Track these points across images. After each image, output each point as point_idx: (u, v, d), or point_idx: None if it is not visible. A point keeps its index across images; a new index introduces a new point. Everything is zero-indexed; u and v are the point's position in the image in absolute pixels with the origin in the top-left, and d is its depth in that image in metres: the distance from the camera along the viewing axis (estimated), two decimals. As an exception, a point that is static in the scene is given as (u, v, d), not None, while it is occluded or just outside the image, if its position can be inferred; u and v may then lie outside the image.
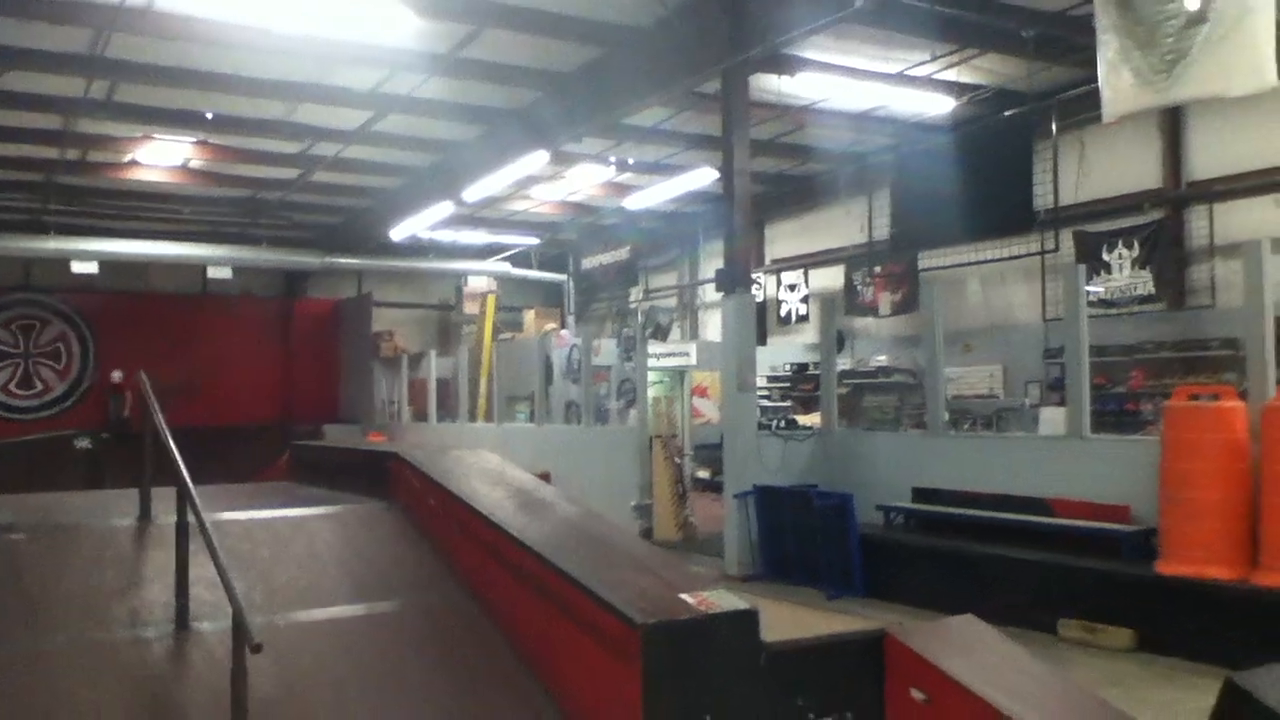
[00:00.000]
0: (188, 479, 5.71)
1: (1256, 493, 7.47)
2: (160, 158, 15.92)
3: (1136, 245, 13.05)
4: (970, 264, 14.67)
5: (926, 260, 15.30)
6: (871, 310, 16.27)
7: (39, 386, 21.32)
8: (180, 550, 5.78)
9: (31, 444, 17.76)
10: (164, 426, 6.40)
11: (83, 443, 17.26)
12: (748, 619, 5.53)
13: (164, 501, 6.53)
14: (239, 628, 4.59)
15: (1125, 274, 13.17)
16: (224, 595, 4.81)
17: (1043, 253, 13.59)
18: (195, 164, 16.36)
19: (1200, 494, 7.64)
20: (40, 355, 21.34)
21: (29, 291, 21.18)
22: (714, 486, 13.72)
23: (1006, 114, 13.36)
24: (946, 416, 10.95)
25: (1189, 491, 7.72)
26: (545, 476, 9.01)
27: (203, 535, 5.24)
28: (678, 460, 13.41)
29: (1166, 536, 7.85)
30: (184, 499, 5.73)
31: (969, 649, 5.74)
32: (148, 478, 7.05)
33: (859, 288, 16.49)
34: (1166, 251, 12.87)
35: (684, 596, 5.58)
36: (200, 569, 5.62)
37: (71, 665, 5.38)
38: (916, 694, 5.49)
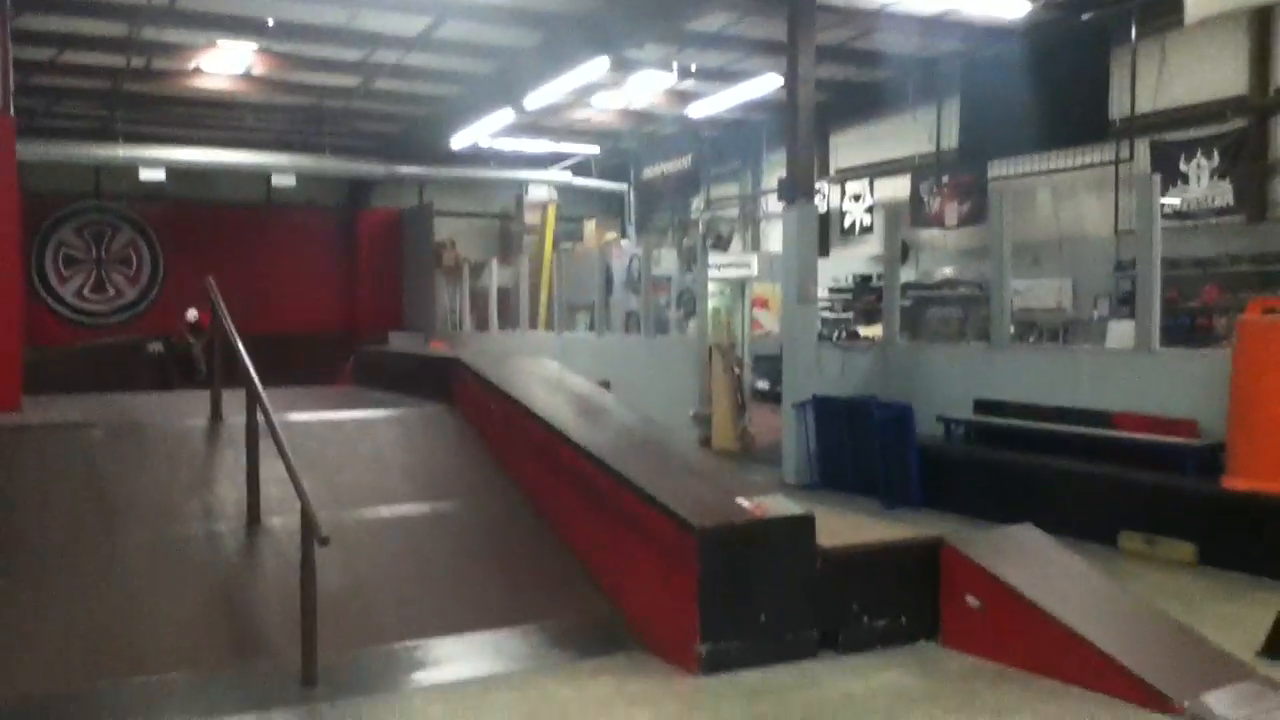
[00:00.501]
0: (257, 381, 5.84)
1: (1330, 409, 7.30)
2: (223, 65, 15.97)
3: (1216, 155, 12.60)
4: (1041, 174, 14.29)
5: (995, 170, 14.93)
6: (938, 222, 15.97)
7: (111, 292, 21.84)
8: (250, 449, 5.95)
9: (106, 347, 18.23)
10: (233, 330, 6.54)
11: (155, 347, 17.67)
12: (803, 524, 5.58)
13: (233, 403, 6.70)
14: (307, 522, 4.73)
15: (1203, 185, 12.75)
16: (292, 492, 4.96)
17: (1117, 162, 13.18)
18: (258, 71, 16.39)
19: (1271, 409, 7.47)
20: (112, 261, 21.81)
21: (101, 199, 21.56)
22: (772, 397, 13.70)
23: (1084, 17, 12.85)
24: (1012, 330, 10.78)
25: (1259, 407, 7.55)
26: (605, 385, 9.07)
27: (272, 435, 5.39)
28: (736, 371, 13.40)
29: (1234, 451, 7.71)
30: (253, 400, 5.88)
31: (1026, 558, 5.74)
32: (218, 380, 7.24)
33: (925, 199, 16.17)
34: (1248, 162, 12.41)
35: (740, 501, 5.65)
36: (269, 468, 5.79)
37: (148, 559, 5.60)
38: (971, 600, 5.53)
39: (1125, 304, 12.56)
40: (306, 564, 4.74)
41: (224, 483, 6.35)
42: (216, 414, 7.10)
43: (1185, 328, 12.08)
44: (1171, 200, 12.57)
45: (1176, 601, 6.31)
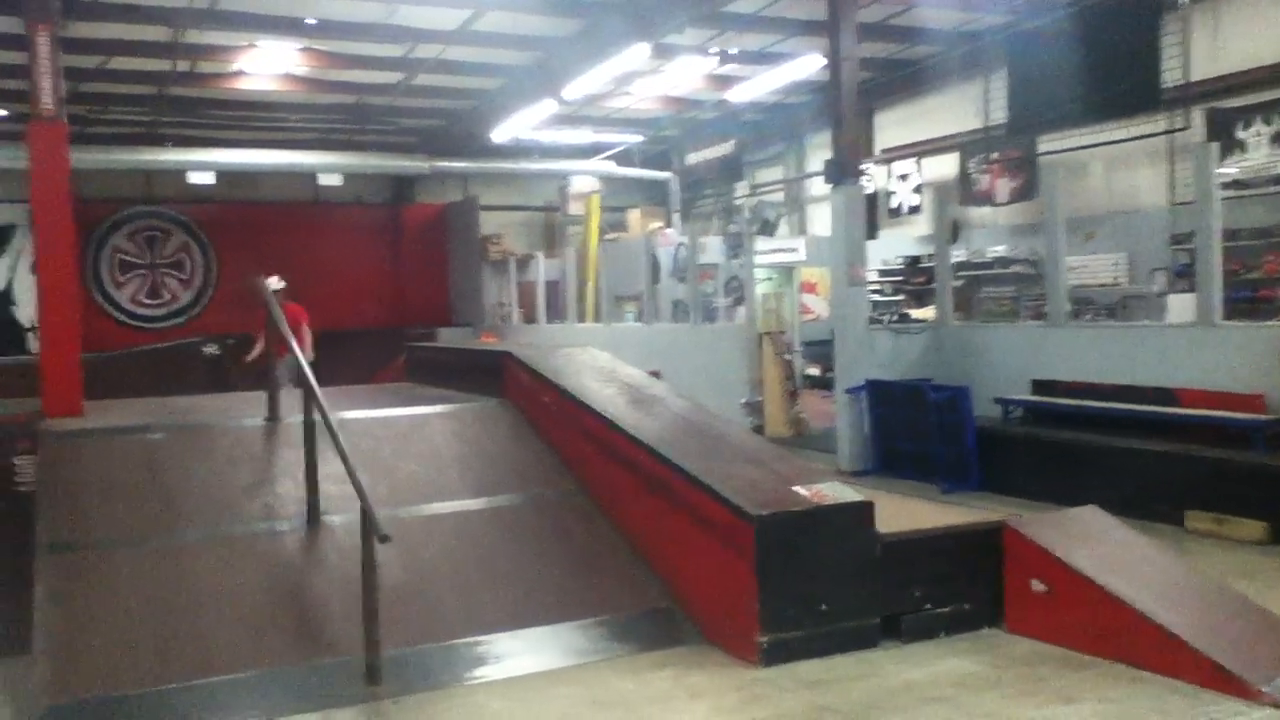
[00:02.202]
0: (313, 380, 5.88)
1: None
2: (265, 66, 16.10)
3: (1276, 120, 12.27)
4: (1092, 146, 14.00)
5: (1045, 144, 14.64)
6: (987, 199, 15.72)
7: (166, 296, 22.17)
8: (308, 447, 5.99)
9: (163, 351, 18.51)
10: (288, 331, 6.59)
11: (211, 349, 17.90)
12: (862, 510, 5.52)
13: (290, 402, 6.76)
14: (367, 520, 4.76)
15: (1262, 152, 12.41)
16: (351, 490, 4.99)
17: (1171, 131, 12.89)
18: (300, 71, 16.51)
19: (1341, 382, 7.28)
20: (165, 266, 22.13)
21: (150, 203, 21.88)
22: (824, 383, 13.61)
23: (1133, -15, 12.58)
24: (1068, 306, 10.59)
25: (1329, 379, 7.36)
26: (655, 375, 9.05)
27: (329, 433, 5.42)
28: (787, 357, 13.32)
29: (1303, 426, 7.52)
30: (310, 399, 5.92)
31: (1091, 540, 5.64)
32: (275, 379, 7.30)
33: (974, 175, 15.92)
34: (1308, 127, 12.07)
35: (797, 489, 5.60)
36: (327, 465, 5.82)
37: (211, 557, 5.67)
38: (1037, 585, 5.44)
39: (1184, 277, 12.29)
40: (367, 561, 4.77)
41: (284, 481, 6.40)
42: (274, 413, 7.16)
43: (1248, 300, 11.80)
44: (1229, 169, 12.26)
45: (1248, 581, 6.17)
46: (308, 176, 21.61)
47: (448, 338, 19.67)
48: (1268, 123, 12.32)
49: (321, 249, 22.52)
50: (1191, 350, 8.80)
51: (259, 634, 5.10)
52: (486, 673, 5.01)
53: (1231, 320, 9.25)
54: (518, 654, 5.16)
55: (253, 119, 19.75)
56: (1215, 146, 9.43)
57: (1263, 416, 8.02)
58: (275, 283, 9.29)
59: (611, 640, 5.40)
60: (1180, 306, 10.73)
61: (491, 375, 8.53)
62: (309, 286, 20.67)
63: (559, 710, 4.64)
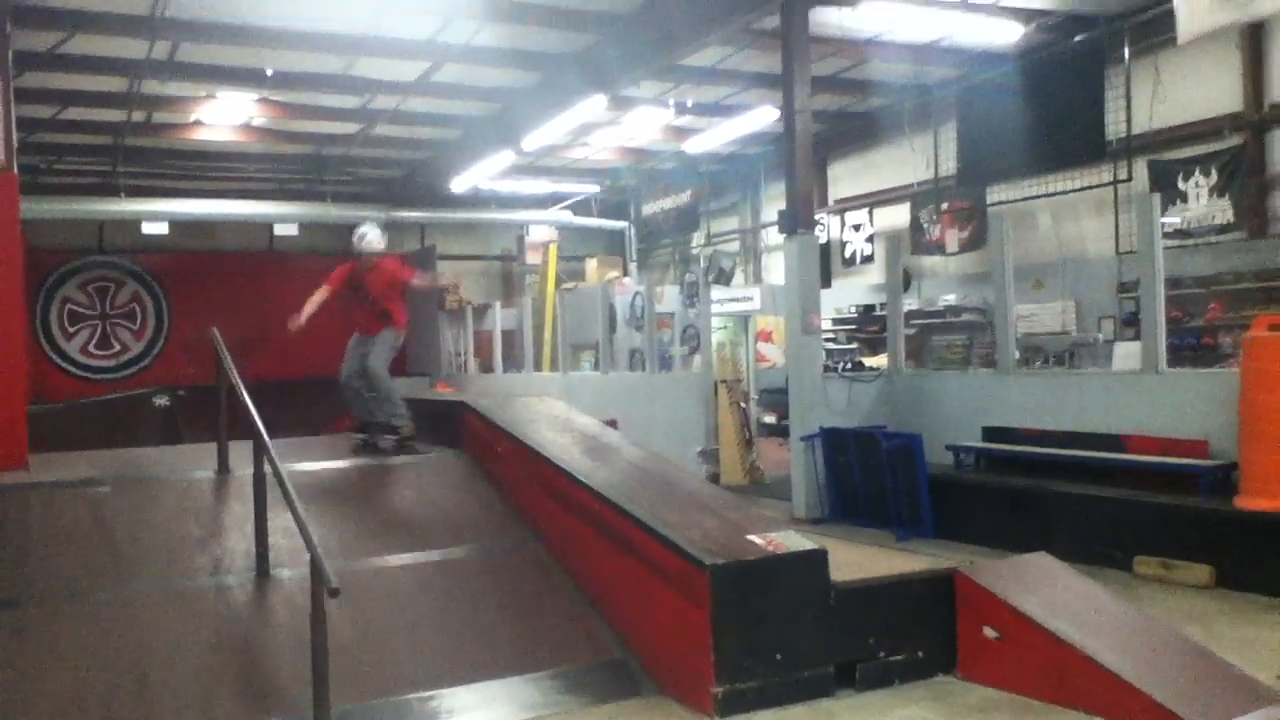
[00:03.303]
0: (263, 431, 5.83)
1: (1342, 425, 7.25)
2: (224, 117, 16.11)
3: (1214, 172, 12.61)
4: (1040, 197, 14.30)
5: (994, 195, 14.94)
6: (938, 248, 15.98)
7: (117, 347, 21.88)
8: (258, 500, 5.93)
9: (111, 402, 18.25)
10: (239, 381, 6.53)
11: (161, 400, 17.70)
12: (816, 559, 5.53)
13: (240, 454, 6.69)
14: (317, 573, 4.69)
15: (1202, 203, 12.74)
16: (301, 543, 4.93)
17: (1115, 183, 13.19)
18: (258, 122, 16.53)
19: (1282, 427, 7.43)
20: (117, 316, 21.87)
21: (103, 254, 21.66)
22: (780, 431, 13.68)
23: (1077, 39, 12.92)
24: (1017, 354, 10.75)
25: (1271, 424, 7.50)
26: (612, 424, 9.05)
27: (279, 485, 5.36)
28: (743, 405, 13.38)
29: (1247, 471, 7.65)
30: (260, 451, 5.87)
31: (1042, 586, 5.69)
32: (224, 432, 7.23)
33: (925, 225, 16.19)
34: (1246, 178, 12.39)
35: (751, 538, 5.61)
36: (278, 518, 5.76)
37: (158, 612, 5.57)
38: (989, 632, 5.47)
39: (1130, 325, 12.54)
40: (316, 615, 4.69)
41: (233, 534, 6.33)
42: (224, 465, 7.09)
43: (1191, 347, 12.05)
44: (1172, 219, 12.57)
45: (1195, 625, 6.25)
46: (264, 226, 21.54)
47: (402, 388, 19.51)
48: (1207, 174, 12.66)
49: (277, 298, 22.22)
50: (1138, 396, 8.96)
51: (207, 690, 5.01)
52: (439, 729, 4.94)
53: (1176, 367, 9.43)
54: (470, 709, 5.09)
55: (209, 169, 19.69)
56: (1158, 197, 9.66)
57: (1207, 462, 8.16)
58: (376, 241, 8.99)
59: (566, 693, 5.35)
60: (1126, 353, 10.91)
61: (447, 425, 8.50)
62: (265, 337, 20.60)
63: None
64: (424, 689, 5.15)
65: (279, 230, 21.01)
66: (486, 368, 20.06)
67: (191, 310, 21.13)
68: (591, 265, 22.15)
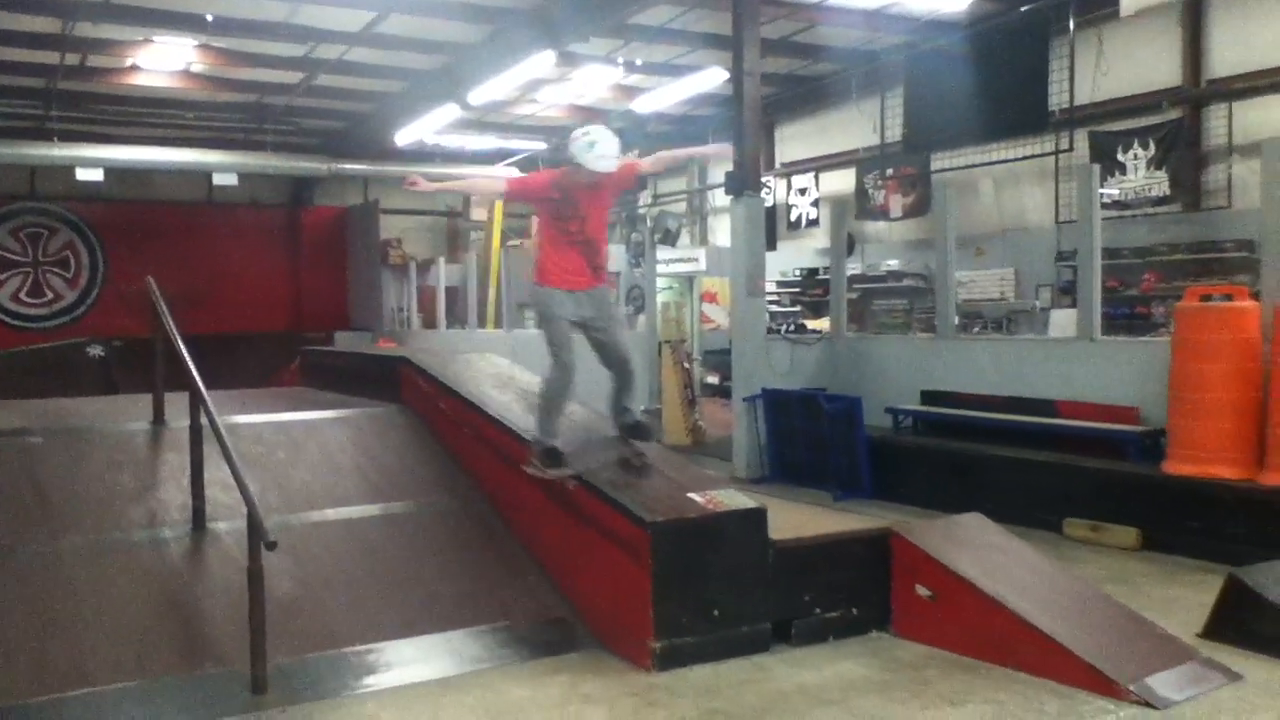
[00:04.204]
0: (200, 383, 5.75)
1: (1266, 394, 7.46)
2: (161, 62, 15.67)
3: (1153, 145, 12.84)
4: (983, 165, 14.46)
5: (939, 162, 15.08)
6: (883, 214, 16.11)
7: (49, 295, 21.38)
8: (194, 452, 5.85)
9: (43, 352, 17.84)
10: (175, 332, 6.42)
11: (95, 351, 17.31)
12: (755, 517, 5.60)
13: (177, 406, 6.59)
14: (254, 526, 4.67)
15: (1140, 175, 12.97)
16: (239, 496, 4.89)
17: (1057, 153, 13.38)
18: (197, 69, 16.10)
19: (1209, 394, 7.64)
20: (49, 264, 21.35)
21: (35, 199, 21.09)
22: (723, 391, 13.77)
23: (1023, 10, 13.02)
24: (956, 320, 10.91)
25: (1198, 392, 7.71)
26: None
27: (216, 437, 5.30)
28: (686, 365, 13.44)
29: (1174, 437, 7.87)
30: (197, 402, 5.78)
31: (975, 546, 5.81)
32: (160, 383, 7.11)
33: (870, 191, 16.30)
34: (1183, 152, 12.64)
35: (692, 496, 5.66)
36: (215, 471, 5.70)
37: (91, 565, 5.49)
38: (922, 590, 5.59)
39: (1067, 293, 12.77)
40: (254, 569, 4.67)
41: (168, 487, 6.24)
42: (160, 417, 6.97)
43: (1126, 316, 12.32)
44: (1110, 190, 12.79)
45: (1121, 586, 6.43)
46: (203, 176, 21.09)
47: (346, 342, 19.36)
48: (1145, 147, 12.89)
49: (216, 251, 22.02)
50: (1073, 363, 9.15)
51: (141, 644, 4.96)
52: (377, 681, 4.93)
53: (1110, 335, 9.64)
54: (410, 662, 5.10)
55: (147, 116, 19.19)
56: (1097, 168, 9.82)
57: (1136, 428, 8.38)
58: (612, 155, 5.91)
59: (506, 648, 5.38)
60: (1062, 321, 11.14)
61: (389, 381, 8.43)
62: (203, 289, 20.27)
63: (450, 718, 4.60)
64: (362, 643, 5.14)
65: (218, 180, 20.58)
66: (430, 324, 19.91)
67: (128, 260, 20.69)
68: (538, 223, 21.97)
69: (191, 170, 20.53)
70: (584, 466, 5.78)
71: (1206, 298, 7.96)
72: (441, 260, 20.12)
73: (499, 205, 21.45)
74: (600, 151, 5.86)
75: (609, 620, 5.53)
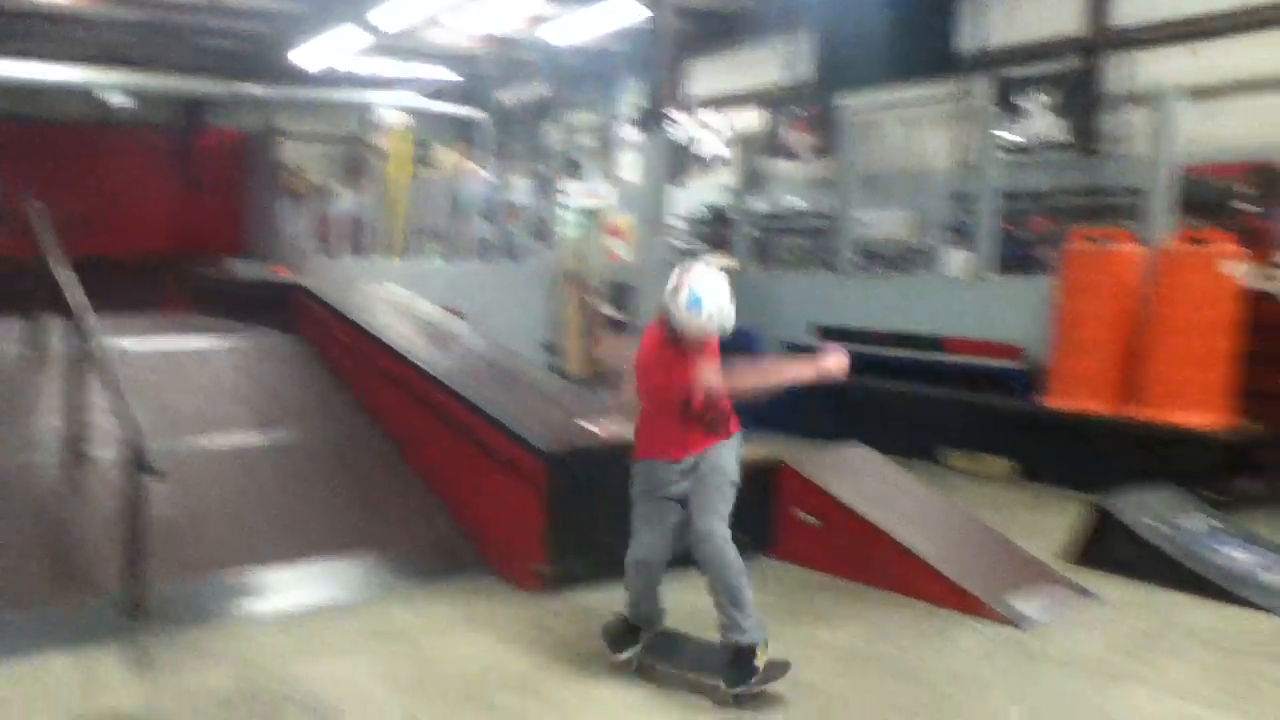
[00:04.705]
0: (83, 306, 5.58)
1: (1142, 334, 7.77)
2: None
3: (1054, 92, 13.08)
4: (889, 107, 14.59)
5: (846, 102, 15.17)
6: (791, 153, 16.19)
7: (-75, 216, 20.39)
8: (74, 376, 5.70)
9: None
10: (59, 254, 6.22)
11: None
12: (646, 446, 5.67)
13: (62, 330, 6.39)
14: (136, 452, 4.58)
15: (1041, 120, 13.23)
16: (121, 422, 4.78)
17: (961, 97, 13.55)
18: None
19: (1089, 333, 7.94)
20: (-73, 182, 20.33)
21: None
22: (625, 326, 13.78)
23: (931, -49, 13.11)
24: (854, 257, 11.07)
25: (1079, 330, 8.00)
26: (458, 314, 8.99)
27: (98, 361, 5.17)
28: (590, 299, 13.41)
29: (1056, 373, 8.17)
30: (79, 325, 5.62)
31: (858, 475, 5.99)
32: (41, 307, 6.88)
33: (779, 130, 16.35)
34: (1083, 99, 12.92)
35: (586, 425, 5.71)
36: (97, 397, 5.56)
37: (-36, 491, 5.34)
38: (805, 516, 5.75)
39: (964, 235, 13.02)
40: (135, 495, 4.59)
41: (49, 412, 6.07)
42: (41, 341, 6.76)
43: (1020, 258, 12.61)
44: (1011, 135, 13.02)
45: (995, 513, 6.69)
46: (95, 95, 20.19)
47: (240, 270, 18.87)
48: (1046, 93, 13.13)
49: (107, 173, 21.19)
50: (965, 302, 9.39)
51: (15, 572, 4.85)
52: (261, 607, 4.92)
53: (1003, 276, 9.90)
54: (295, 588, 5.09)
55: (34, 30, 18.23)
56: (997, 112, 10.00)
57: (1019, 365, 8.66)
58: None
59: (395, 573, 5.40)
60: (957, 261, 11.38)
61: (283, 309, 8.29)
62: (92, 211, 19.51)
63: (336, 642, 4.61)
64: (247, 569, 5.12)
65: (110, 100, 19.74)
66: (330, 253, 19.52)
67: (13, 180, 19.78)
68: (443, 153, 21.62)
69: (83, 89, 19.63)
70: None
71: (1091, 240, 8.23)
72: (343, 187, 19.67)
73: (404, 134, 21.01)
74: (701, 312, 4.39)
75: (500, 546, 5.58)
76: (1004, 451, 8.04)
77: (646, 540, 4.36)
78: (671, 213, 11.76)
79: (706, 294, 4.33)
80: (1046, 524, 6.55)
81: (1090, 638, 4.86)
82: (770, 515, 5.96)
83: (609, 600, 5.15)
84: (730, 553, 4.17)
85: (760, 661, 4.10)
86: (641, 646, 4.41)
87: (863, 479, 5.96)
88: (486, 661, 4.44)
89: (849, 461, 6.17)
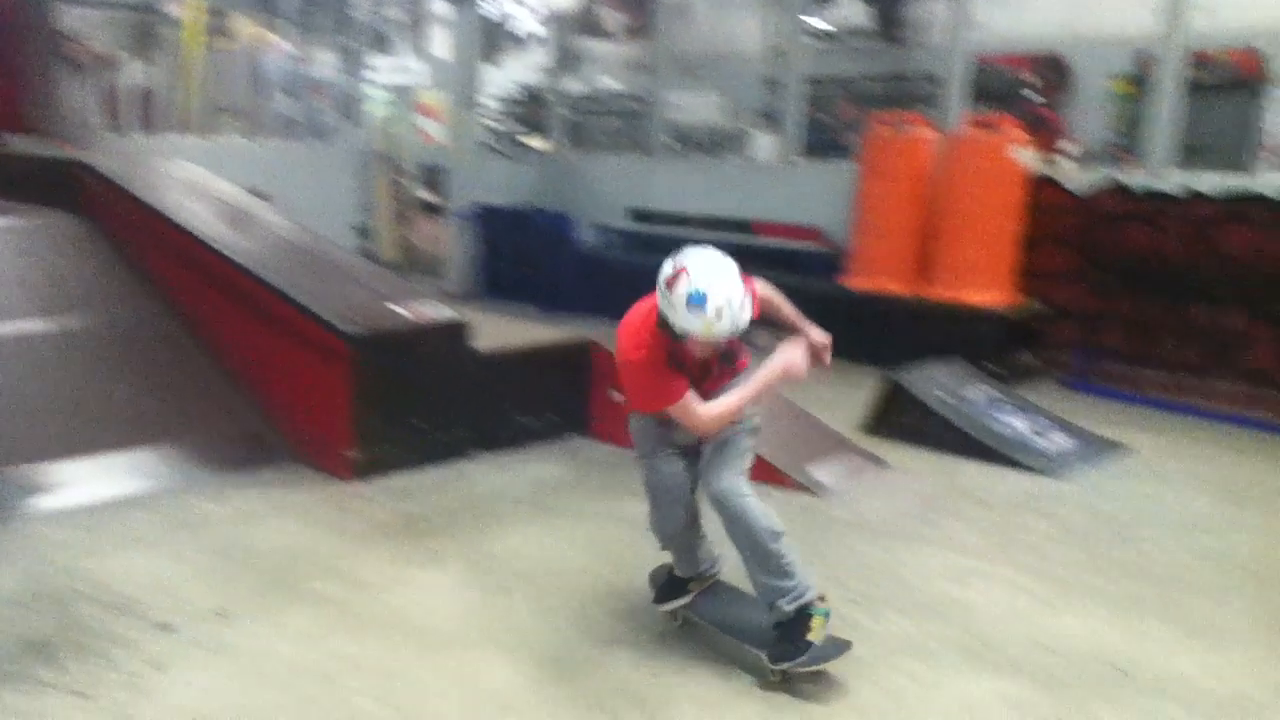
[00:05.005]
0: None
1: (936, 217, 8.17)
2: None
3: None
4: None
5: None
6: (606, 33, 15.98)
7: None
8: None
9: None
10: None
11: None
12: (458, 328, 5.66)
13: None
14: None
15: (848, 7, 13.46)
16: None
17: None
18: None
19: (886, 216, 8.28)
20: None
21: None
22: (438, 208, 13.53)
23: None
24: (666, 140, 11.14)
25: (877, 214, 8.34)
26: (263, 197, 8.59)
27: None
28: (401, 181, 13.06)
29: (855, 255, 8.51)
30: None
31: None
32: None
33: (595, 9, 16.08)
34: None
35: (394, 308, 5.63)
36: None
37: None
38: (615, 395, 5.87)
39: (772, 119, 13.26)
40: (-100, 386, 4.28)
41: None
42: None
43: (825, 143, 12.97)
44: (819, 22, 13.23)
45: (796, 388, 6.99)
46: None
47: (16, 145, 17.42)
48: (857, -20, 13.35)
49: None
50: (771, 186, 9.62)
51: None
52: (48, 502, 4.70)
53: (808, 160, 10.17)
54: (88, 481, 4.88)
55: None
56: (804, -4, 10.12)
57: (821, 247, 8.99)
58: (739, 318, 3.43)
59: (199, 465, 5.25)
60: (765, 145, 11.61)
61: (65, 187, 7.71)
62: None
63: (133, 534, 4.47)
64: (33, 461, 4.87)
65: None
66: (119, 129, 18.21)
67: None
68: (241, 23, 20.30)
69: None
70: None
71: (888, 126, 8.52)
72: (132, 59, 18.28)
73: (199, 1, 19.61)
74: (721, 326, 3.42)
75: (308, 434, 5.49)
76: (801, 331, 8.37)
77: (663, 512, 3.73)
78: (485, 92, 11.48)
79: (711, 286, 3.25)
80: (845, 399, 6.89)
81: (882, 502, 5.21)
82: (583, 395, 6.07)
83: (421, 483, 5.19)
84: (754, 511, 3.44)
85: (816, 636, 3.39)
86: (690, 598, 3.83)
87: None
88: (295, 549, 4.40)
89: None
